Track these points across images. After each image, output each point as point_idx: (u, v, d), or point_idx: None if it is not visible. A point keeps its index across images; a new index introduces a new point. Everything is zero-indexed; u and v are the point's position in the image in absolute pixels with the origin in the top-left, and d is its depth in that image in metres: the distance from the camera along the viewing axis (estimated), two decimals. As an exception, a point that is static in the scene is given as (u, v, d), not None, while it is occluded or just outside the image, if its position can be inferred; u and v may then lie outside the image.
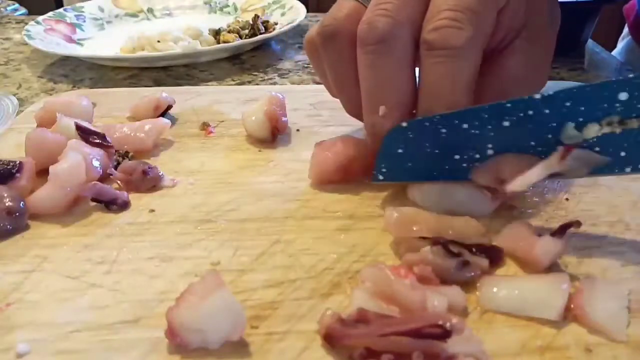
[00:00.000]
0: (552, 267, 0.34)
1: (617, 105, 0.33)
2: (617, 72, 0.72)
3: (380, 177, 0.40)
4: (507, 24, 0.39)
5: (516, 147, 0.36)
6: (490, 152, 0.37)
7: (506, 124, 0.35)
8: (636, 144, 0.34)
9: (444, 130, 0.37)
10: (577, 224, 0.35)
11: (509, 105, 0.35)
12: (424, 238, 0.35)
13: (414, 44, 0.38)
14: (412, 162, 0.39)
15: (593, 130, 0.34)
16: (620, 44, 0.91)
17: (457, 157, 0.37)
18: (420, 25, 0.37)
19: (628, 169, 0.35)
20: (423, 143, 0.38)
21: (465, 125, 0.36)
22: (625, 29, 0.91)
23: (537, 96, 0.34)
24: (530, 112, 0.35)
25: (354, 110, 0.43)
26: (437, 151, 0.38)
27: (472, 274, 0.33)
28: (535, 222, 0.39)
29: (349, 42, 0.39)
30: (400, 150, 0.38)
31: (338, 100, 0.45)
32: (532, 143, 0.36)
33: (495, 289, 0.33)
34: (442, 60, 0.36)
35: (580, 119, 0.34)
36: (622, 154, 0.35)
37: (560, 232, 0.35)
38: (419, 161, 0.38)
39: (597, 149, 0.35)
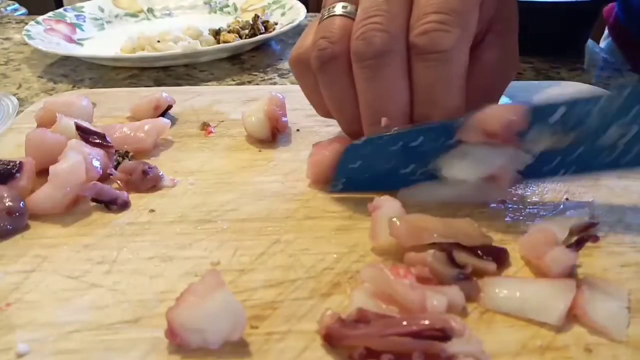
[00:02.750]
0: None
1: (556, 120, 0.36)
2: (617, 71, 0.72)
3: (340, 187, 0.42)
4: (482, 18, 0.39)
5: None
6: (432, 167, 0.39)
7: (450, 141, 0.37)
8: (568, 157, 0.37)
9: (394, 147, 0.39)
10: (595, 238, 0.35)
11: (454, 125, 0.37)
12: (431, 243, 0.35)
13: (407, 52, 0.38)
14: (368, 174, 0.41)
15: (541, 142, 0.37)
16: (603, 44, 0.92)
17: (407, 170, 0.40)
18: (408, 30, 0.37)
19: (561, 171, 0.39)
20: (377, 159, 0.40)
21: (414, 143, 0.38)
22: (606, 31, 0.92)
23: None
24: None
25: (352, 127, 0.43)
26: (388, 166, 0.40)
27: (470, 287, 0.33)
28: (535, 222, 0.39)
29: (346, 62, 0.39)
30: (356, 165, 0.40)
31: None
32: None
33: (497, 290, 0.33)
34: (433, 64, 0.37)
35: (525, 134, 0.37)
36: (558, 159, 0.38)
37: (576, 244, 0.35)
38: (374, 174, 0.41)
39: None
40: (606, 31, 0.92)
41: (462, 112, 0.38)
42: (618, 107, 0.35)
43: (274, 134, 0.50)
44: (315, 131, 0.52)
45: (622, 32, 0.86)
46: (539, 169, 0.38)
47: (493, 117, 0.36)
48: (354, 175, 0.41)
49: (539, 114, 0.36)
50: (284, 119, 0.50)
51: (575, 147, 0.37)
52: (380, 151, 0.39)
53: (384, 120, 0.39)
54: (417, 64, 0.37)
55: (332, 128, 0.52)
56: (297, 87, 0.66)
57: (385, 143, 0.39)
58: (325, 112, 0.45)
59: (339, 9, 0.40)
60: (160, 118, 0.52)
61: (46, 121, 0.49)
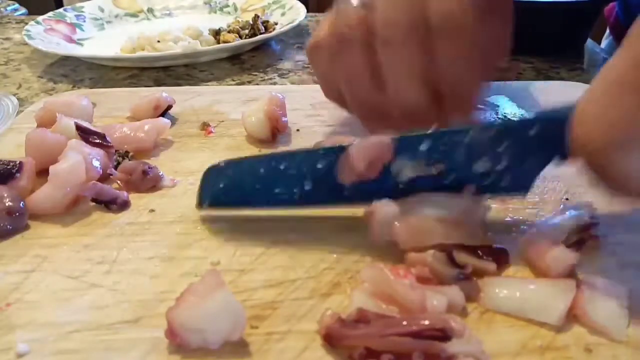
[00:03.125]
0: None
1: (420, 153, 0.37)
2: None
3: (205, 206, 0.41)
4: None
5: (330, 184, 0.38)
6: (307, 187, 0.39)
7: (320, 166, 0.38)
8: (439, 184, 0.37)
9: (261, 170, 0.39)
10: (595, 238, 0.35)
11: (321, 152, 0.38)
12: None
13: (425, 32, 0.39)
14: (236, 193, 0.40)
15: (407, 172, 0.37)
16: (604, 43, 0.92)
17: (277, 190, 0.39)
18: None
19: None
20: (244, 179, 0.40)
21: (281, 166, 0.39)
22: (607, 30, 0.92)
23: (346, 144, 0.37)
24: (340, 156, 0.37)
25: (362, 109, 0.45)
26: (258, 186, 0.39)
27: (470, 287, 0.33)
28: (535, 222, 0.39)
29: (363, 46, 0.41)
30: (221, 185, 0.40)
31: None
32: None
33: (497, 290, 0.33)
34: (451, 40, 0.38)
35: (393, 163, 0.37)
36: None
37: (576, 244, 0.35)
38: (243, 193, 0.40)
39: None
40: (607, 30, 0.92)
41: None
42: (486, 142, 0.36)
43: (274, 134, 0.50)
44: (315, 131, 0.52)
45: (623, 31, 0.86)
46: (404, 192, 0.38)
47: (358, 156, 0.37)
48: (220, 195, 0.40)
49: (404, 146, 0.37)
50: (284, 119, 0.50)
51: (444, 175, 0.37)
52: (245, 173, 0.40)
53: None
54: (433, 41, 0.39)
55: (332, 128, 0.52)
56: (297, 87, 0.67)
57: (249, 165, 0.39)
58: (335, 96, 0.46)
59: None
60: (160, 118, 0.52)
61: (46, 121, 0.49)
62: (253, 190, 0.39)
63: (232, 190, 0.40)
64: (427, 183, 0.37)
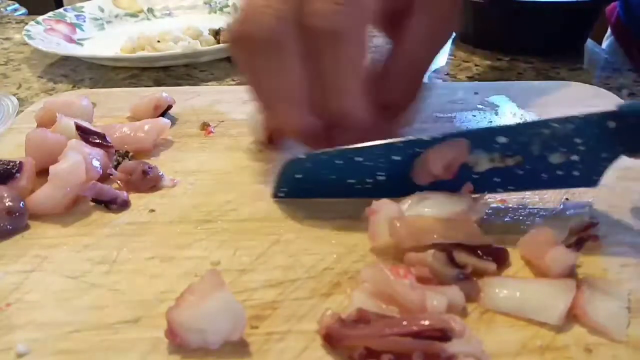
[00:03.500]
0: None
1: (497, 146, 0.38)
2: (616, 71, 0.72)
3: (281, 195, 0.42)
4: None
5: (404, 175, 0.39)
6: (381, 178, 0.40)
7: (397, 158, 0.39)
8: (513, 175, 0.39)
9: (340, 162, 0.40)
10: (595, 238, 0.35)
11: (400, 144, 0.38)
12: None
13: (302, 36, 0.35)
14: (310, 185, 0.41)
15: (482, 165, 0.38)
16: (605, 44, 0.91)
17: (351, 181, 0.40)
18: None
19: (500, 190, 0.40)
20: (320, 170, 0.40)
21: (359, 159, 0.39)
22: (609, 30, 0.92)
23: (426, 137, 0.38)
24: (418, 150, 0.38)
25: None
26: (333, 177, 0.40)
27: (470, 287, 0.33)
28: (535, 222, 0.39)
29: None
30: (299, 176, 0.41)
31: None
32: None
33: (497, 290, 0.33)
34: (328, 47, 0.35)
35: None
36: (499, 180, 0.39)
37: (576, 244, 0.35)
38: (317, 184, 0.41)
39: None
40: (609, 30, 0.92)
41: (364, 98, 0.38)
42: (561, 137, 0.37)
43: (270, 136, 0.50)
44: (315, 131, 0.52)
45: (624, 31, 0.86)
46: (478, 186, 0.39)
47: (435, 161, 0.37)
48: (296, 185, 0.41)
49: (480, 140, 0.37)
50: None
51: (514, 169, 0.38)
52: (323, 165, 0.40)
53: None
54: (310, 47, 0.35)
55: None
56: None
57: (329, 158, 0.40)
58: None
59: None
60: (160, 118, 0.52)
61: (46, 121, 0.49)
62: (328, 180, 0.40)
63: (308, 181, 0.41)
64: (502, 174, 0.38)
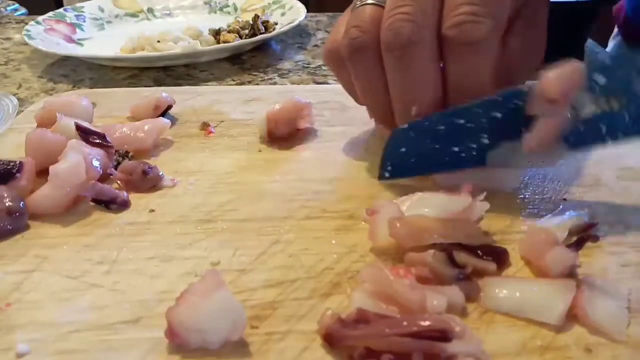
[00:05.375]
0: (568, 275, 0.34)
1: (597, 86, 0.36)
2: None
3: (387, 175, 0.42)
4: (512, 6, 0.39)
5: (509, 134, 0.38)
6: (485, 141, 0.39)
7: (498, 115, 0.38)
8: (619, 120, 0.37)
9: (442, 127, 0.39)
10: (595, 238, 0.35)
11: (499, 98, 0.38)
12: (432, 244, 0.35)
13: (437, 40, 0.38)
14: (415, 159, 0.41)
15: (587, 107, 0.37)
16: (611, 44, 0.91)
17: (455, 149, 0.40)
18: (440, 21, 0.37)
19: (609, 140, 0.38)
20: (424, 140, 0.40)
21: (461, 121, 0.39)
22: (616, 29, 0.92)
23: (525, 88, 0.37)
24: (519, 102, 0.37)
25: (383, 117, 0.43)
26: (437, 146, 0.40)
27: (470, 287, 0.33)
28: (535, 222, 0.39)
29: (376, 51, 0.39)
30: (403, 150, 0.41)
31: (339, 100, 0.45)
32: (523, 128, 0.38)
33: (497, 290, 0.33)
34: (465, 56, 0.37)
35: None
36: (604, 129, 0.37)
37: (576, 244, 0.35)
38: (422, 157, 0.41)
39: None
40: (615, 30, 0.92)
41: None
42: None
43: (270, 134, 0.50)
44: (316, 131, 0.52)
45: (632, 31, 0.86)
46: (584, 137, 0.37)
47: (552, 83, 0.35)
48: (401, 160, 0.41)
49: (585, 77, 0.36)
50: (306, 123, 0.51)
51: (621, 112, 0.36)
52: (426, 133, 0.40)
53: (414, 110, 0.39)
54: (449, 56, 0.38)
55: (334, 128, 0.52)
56: (297, 87, 0.66)
57: (430, 124, 0.39)
58: (361, 101, 0.45)
59: None
60: (160, 118, 0.52)
61: (46, 121, 0.49)
62: (432, 151, 0.40)
63: (413, 154, 0.41)
64: (608, 119, 0.36)
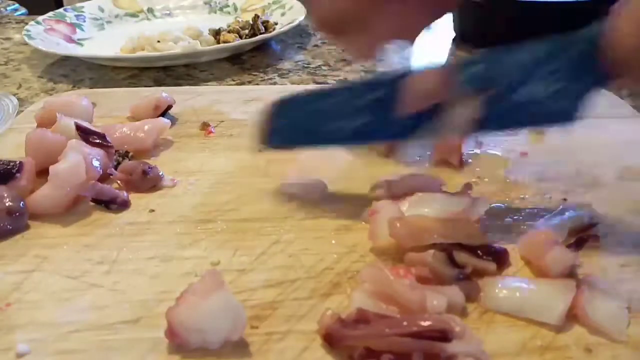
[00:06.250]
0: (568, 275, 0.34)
1: (473, 78, 0.37)
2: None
3: (271, 145, 0.43)
4: None
5: (382, 116, 0.39)
6: (362, 119, 0.39)
7: (377, 95, 0.39)
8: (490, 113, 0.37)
9: (320, 105, 0.40)
10: (595, 238, 0.35)
11: (376, 81, 0.40)
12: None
13: None
14: (295, 132, 0.42)
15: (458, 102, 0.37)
16: None
17: (332, 125, 0.40)
18: None
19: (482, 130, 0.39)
20: (301, 115, 0.41)
21: (339, 98, 0.40)
22: None
23: (402, 71, 0.38)
24: (391, 88, 0.38)
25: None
26: (314, 120, 0.40)
27: (470, 287, 0.33)
28: (535, 222, 0.39)
29: None
30: (284, 121, 0.42)
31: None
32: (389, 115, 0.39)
33: (497, 290, 0.33)
34: None
35: None
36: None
37: (576, 244, 0.35)
38: (301, 131, 0.41)
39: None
40: None
41: None
42: (539, 59, 0.36)
43: None
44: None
45: None
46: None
47: (418, 84, 0.37)
48: (283, 133, 0.42)
49: (460, 70, 0.37)
50: None
51: (494, 103, 0.37)
52: (304, 107, 0.41)
53: None
54: None
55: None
56: (297, 87, 0.66)
57: (308, 100, 0.41)
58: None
59: None
60: (160, 118, 0.52)
61: (46, 121, 0.49)
62: (310, 125, 0.41)
63: (293, 127, 0.41)
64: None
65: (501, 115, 0.37)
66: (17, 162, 0.42)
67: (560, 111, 0.36)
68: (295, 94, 0.42)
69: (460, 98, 0.37)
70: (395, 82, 0.38)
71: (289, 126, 0.42)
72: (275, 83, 0.70)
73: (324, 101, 0.40)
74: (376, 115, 0.39)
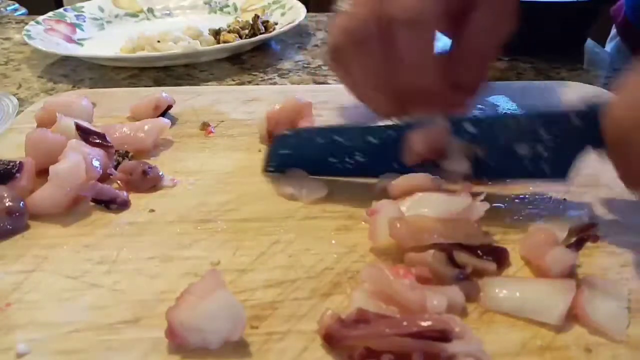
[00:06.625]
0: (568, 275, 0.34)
1: (467, 135, 0.40)
2: (616, 71, 0.72)
3: (271, 170, 0.45)
4: None
5: (381, 157, 0.42)
6: (359, 158, 0.43)
7: (373, 140, 0.42)
8: (484, 165, 0.41)
9: (320, 141, 0.43)
10: (595, 238, 0.35)
11: (375, 128, 0.43)
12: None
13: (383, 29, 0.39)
14: (296, 161, 0.44)
15: (454, 154, 0.41)
16: (609, 45, 0.91)
17: (332, 160, 0.43)
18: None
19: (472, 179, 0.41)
20: (304, 148, 0.44)
21: (338, 138, 0.43)
22: (613, 30, 0.91)
23: (401, 123, 0.42)
24: (392, 133, 0.42)
25: (386, 108, 0.44)
26: (314, 154, 0.44)
27: (470, 287, 0.33)
28: (535, 223, 0.39)
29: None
30: (285, 152, 0.45)
31: (339, 100, 0.45)
32: (393, 154, 0.42)
33: (497, 290, 0.33)
34: (406, 31, 0.39)
35: None
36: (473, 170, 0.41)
37: (576, 244, 0.35)
38: (301, 160, 0.44)
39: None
40: (613, 31, 0.92)
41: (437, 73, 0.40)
42: (527, 130, 0.39)
43: (270, 134, 0.50)
44: (315, 131, 0.52)
45: (631, 31, 0.86)
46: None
47: (418, 144, 0.40)
48: (282, 161, 0.45)
49: (454, 128, 0.40)
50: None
51: (486, 160, 0.40)
52: (305, 142, 0.44)
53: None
54: (394, 34, 0.39)
55: (332, 128, 0.52)
56: (297, 87, 0.66)
57: (311, 136, 0.44)
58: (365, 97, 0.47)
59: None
60: (160, 118, 0.52)
61: (46, 121, 0.49)
62: (311, 157, 0.44)
63: (294, 157, 0.44)
64: (475, 164, 0.40)
65: (494, 169, 0.41)
66: (17, 162, 0.42)
67: (550, 173, 0.40)
68: (300, 129, 0.46)
69: (455, 149, 0.40)
70: (389, 132, 0.42)
71: (291, 155, 0.45)
72: (275, 83, 0.70)
73: (327, 137, 0.43)
74: (377, 156, 0.42)
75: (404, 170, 0.41)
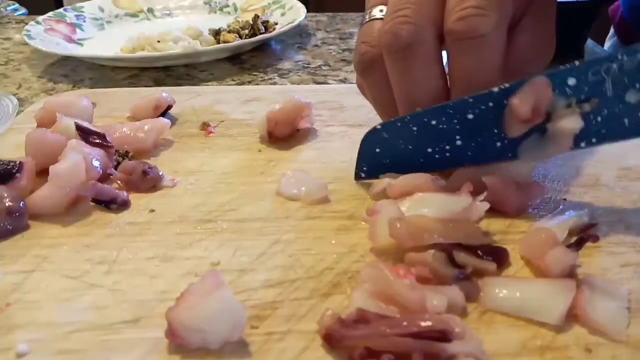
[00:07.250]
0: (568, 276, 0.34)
1: (569, 90, 0.36)
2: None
3: (362, 175, 0.43)
4: (517, 1, 0.39)
5: (481, 136, 0.39)
6: (458, 142, 0.40)
7: (470, 116, 0.38)
8: (592, 124, 0.37)
9: (414, 128, 0.40)
10: (594, 238, 0.35)
11: (471, 100, 0.38)
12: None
13: (439, 41, 0.38)
14: (389, 159, 0.42)
15: (560, 112, 0.37)
16: (607, 44, 0.91)
17: (429, 150, 0.40)
18: (441, 20, 0.38)
19: (582, 144, 0.38)
20: (397, 141, 0.41)
21: (433, 122, 0.39)
22: (612, 30, 0.92)
23: (496, 89, 0.37)
24: (491, 104, 0.38)
25: None
26: (410, 147, 0.41)
27: (470, 287, 0.33)
28: (535, 223, 0.39)
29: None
30: (377, 150, 0.42)
31: (339, 100, 0.45)
32: (495, 131, 0.39)
33: (497, 290, 0.33)
34: (472, 49, 0.37)
35: None
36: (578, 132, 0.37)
37: (576, 244, 0.35)
38: (396, 157, 0.42)
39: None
40: (611, 30, 0.92)
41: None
42: (632, 71, 0.35)
43: (270, 134, 0.50)
44: (316, 131, 0.52)
45: (628, 30, 0.86)
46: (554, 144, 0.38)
47: (522, 103, 0.36)
48: (376, 161, 0.42)
49: (554, 82, 0.36)
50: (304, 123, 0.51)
51: (593, 118, 0.37)
52: (399, 133, 0.40)
53: (418, 110, 0.39)
54: (454, 50, 0.38)
55: (332, 128, 0.52)
56: (297, 87, 0.66)
57: (403, 124, 0.40)
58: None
59: (376, 12, 0.41)
60: (160, 118, 0.52)
61: (46, 121, 0.49)
62: (406, 152, 0.41)
63: (387, 155, 0.41)
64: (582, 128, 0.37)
65: (600, 128, 0.37)
66: (17, 162, 0.42)
67: None
68: (387, 122, 0.41)
69: (559, 112, 0.37)
70: (488, 103, 0.38)
71: (383, 154, 0.42)
72: (275, 83, 0.70)
73: (416, 125, 0.40)
74: (473, 137, 0.39)
75: (510, 148, 0.38)
